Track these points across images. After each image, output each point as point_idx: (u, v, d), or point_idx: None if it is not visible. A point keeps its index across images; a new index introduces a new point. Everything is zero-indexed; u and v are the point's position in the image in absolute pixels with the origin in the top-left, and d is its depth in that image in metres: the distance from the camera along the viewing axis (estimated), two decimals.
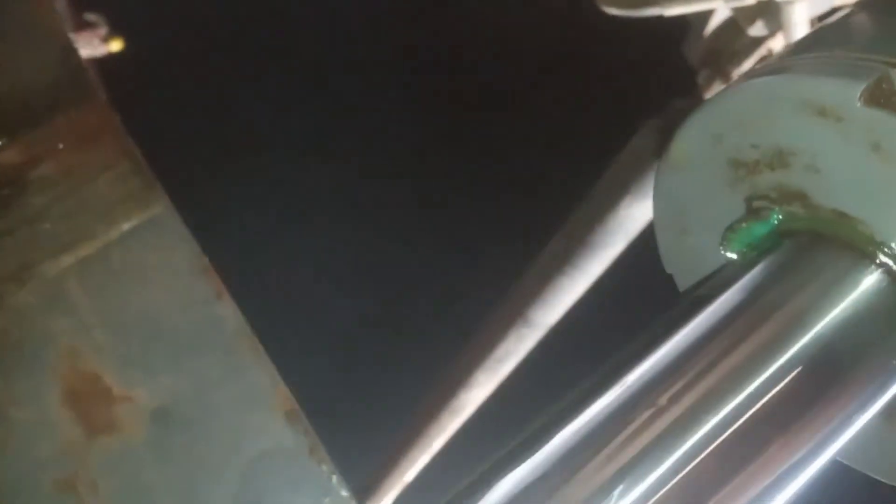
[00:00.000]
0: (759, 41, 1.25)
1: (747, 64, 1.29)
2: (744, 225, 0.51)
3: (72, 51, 0.85)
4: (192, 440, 0.68)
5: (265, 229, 2.11)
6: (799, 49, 0.48)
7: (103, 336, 0.72)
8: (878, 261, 0.45)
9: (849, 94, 0.42)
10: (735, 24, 1.26)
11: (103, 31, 1.30)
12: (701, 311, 0.48)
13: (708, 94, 1.36)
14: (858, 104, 0.42)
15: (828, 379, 0.45)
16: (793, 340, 0.45)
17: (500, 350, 1.76)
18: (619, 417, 0.43)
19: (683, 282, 0.60)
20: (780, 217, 0.49)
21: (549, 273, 1.61)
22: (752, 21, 1.19)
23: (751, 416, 0.44)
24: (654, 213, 0.59)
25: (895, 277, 0.45)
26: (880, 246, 0.45)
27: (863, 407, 0.45)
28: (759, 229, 0.50)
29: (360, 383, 2.20)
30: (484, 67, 1.97)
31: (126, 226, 0.75)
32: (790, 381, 0.45)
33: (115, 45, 1.30)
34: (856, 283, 0.46)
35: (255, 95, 2.13)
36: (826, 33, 0.48)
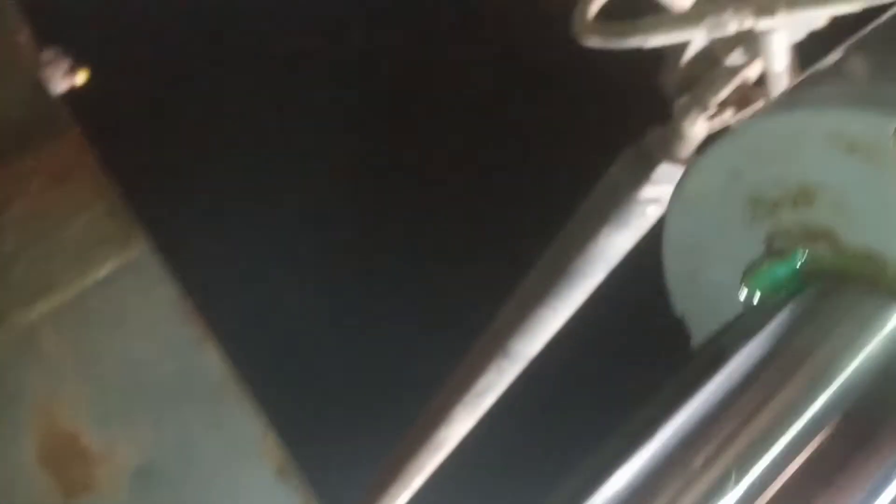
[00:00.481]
0: (735, 70, 1.25)
1: (724, 93, 1.29)
2: (765, 265, 0.48)
3: (41, 86, 0.81)
4: (177, 501, 0.63)
5: (253, 270, 2.05)
6: (821, 79, 0.46)
7: (79, 389, 0.67)
8: None
9: (882, 128, 0.40)
10: (711, 53, 1.26)
11: (66, 63, 1.25)
12: (726, 363, 0.45)
13: (684, 123, 1.36)
14: (892, 139, 0.40)
15: (867, 430, 0.43)
16: (827, 391, 0.43)
17: (481, 384, 1.73)
18: (650, 486, 0.40)
19: (696, 324, 0.57)
20: (804, 257, 0.47)
21: (529, 303, 1.59)
22: (729, 50, 1.19)
23: (790, 476, 0.41)
24: (665, 251, 0.56)
25: None
26: None
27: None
28: (782, 270, 0.48)
29: (352, 429, 2.14)
30: (456, 93, 1.96)
31: (103, 270, 0.71)
32: (828, 435, 0.42)
33: (81, 78, 1.25)
34: (888, 327, 0.43)
35: (241, 126, 2.08)
36: (849, 62, 0.46)
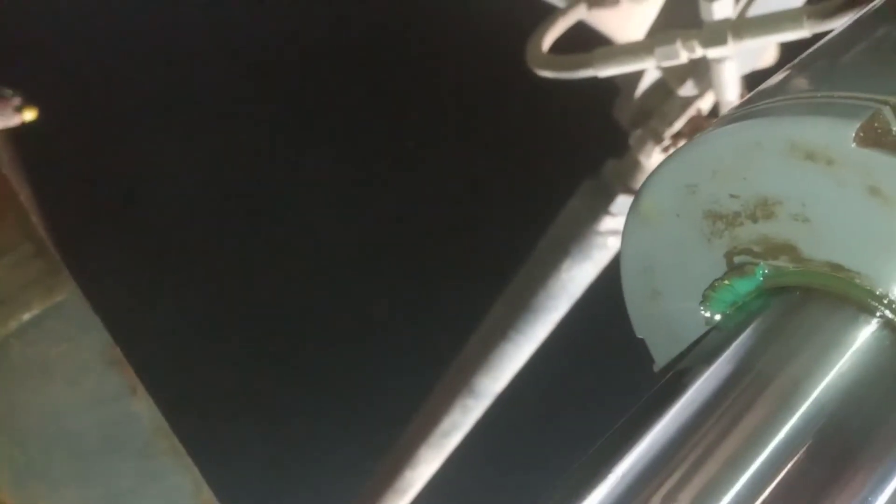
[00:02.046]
0: (688, 101, 1.24)
1: (678, 124, 1.28)
2: (726, 282, 0.45)
3: None
4: None
5: (185, 320, 1.98)
6: (772, 92, 0.43)
7: None
8: (879, 315, 0.40)
9: (841, 134, 0.37)
10: (664, 86, 1.26)
11: (17, 101, 1.20)
12: (688, 387, 0.41)
13: (640, 155, 1.34)
14: (852, 145, 0.37)
15: (841, 452, 0.39)
16: (795, 413, 0.39)
17: (446, 423, 1.67)
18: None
19: (658, 348, 0.53)
20: (766, 272, 0.44)
21: (492, 340, 1.55)
22: (682, 81, 1.18)
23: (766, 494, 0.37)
24: (623, 273, 0.52)
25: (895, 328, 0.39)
26: (881, 299, 0.39)
27: (883, 481, 0.38)
28: (743, 286, 0.44)
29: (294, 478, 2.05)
30: (408, 131, 1.93)
31: (26, 315, 0.64)
32: (799, 460, 0.38)
33: (29, 115, 1.20)
34: (857, 342, 0.40)
35: (178, 168, 2.02)
36: (800, 74, 0.44)
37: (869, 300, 0.39)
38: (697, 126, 1.28)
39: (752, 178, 0.41)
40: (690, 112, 1.26)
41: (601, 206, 1.37)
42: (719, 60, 1.04)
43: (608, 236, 1.39)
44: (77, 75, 1.94)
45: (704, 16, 0.99)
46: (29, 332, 0.63)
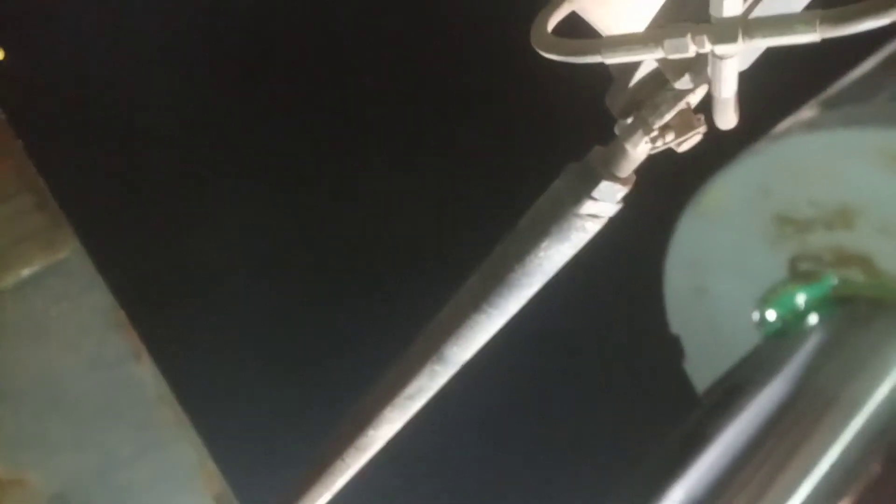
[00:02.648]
0: (681, 94, 1.23)
1: (668, 116, 1.27)
2: (791, 288, 0.43)
3: None
4: None
5: (190, 283, 1.90)
6: (855, 96, 0.41)
7: None
8: None
9: None
10: (659, 77, 1.24)
11: None
12: (751, 403, 0.39)
13: (627, 144, 1.33)
14: None
15: None
16: (864, 428, 0.37)
17: (413, 387, 1.65)
18: None
19: (695, 346, 0.52)
20: (836, 282, 0.42)
21: (465, 311, 1.53)
22: (679, 74, 1.16)
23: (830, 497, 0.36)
24: (667, 266, 0.50)
25: None
26: None
27: None
28: (810, 294, 0.43)
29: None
30: (406, 105, 1.88)
31: (25, 271, 0.59)
32: (871, 478, 0.37)
33: None
34: None
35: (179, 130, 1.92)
36: (883, 82, 0.42)
37: None
38: (686, 120, 1.27)
39: (838, 185, 0.39)
40: (681, 105, 1.25)
41: (584, 190, 1.35)
42: (723, 57, 1.02)
43: (588, 220, 1.38)
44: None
45: (714, 11, 0.97)
46: (26, 290, 0.57)
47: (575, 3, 1.21)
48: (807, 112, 0.45)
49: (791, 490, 0.34)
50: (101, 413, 0.54)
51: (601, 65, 1.19)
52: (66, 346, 0.56)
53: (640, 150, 1.30)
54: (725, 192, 0.44)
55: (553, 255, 1.42)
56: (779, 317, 0.45)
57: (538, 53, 1.15)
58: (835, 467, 0.35)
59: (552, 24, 1.12)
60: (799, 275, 0.44)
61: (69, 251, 0.58)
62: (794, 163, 0.41)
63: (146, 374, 0.55)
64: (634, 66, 1.24)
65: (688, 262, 0.48)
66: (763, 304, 0.46)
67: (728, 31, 0.94)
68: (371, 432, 1.76)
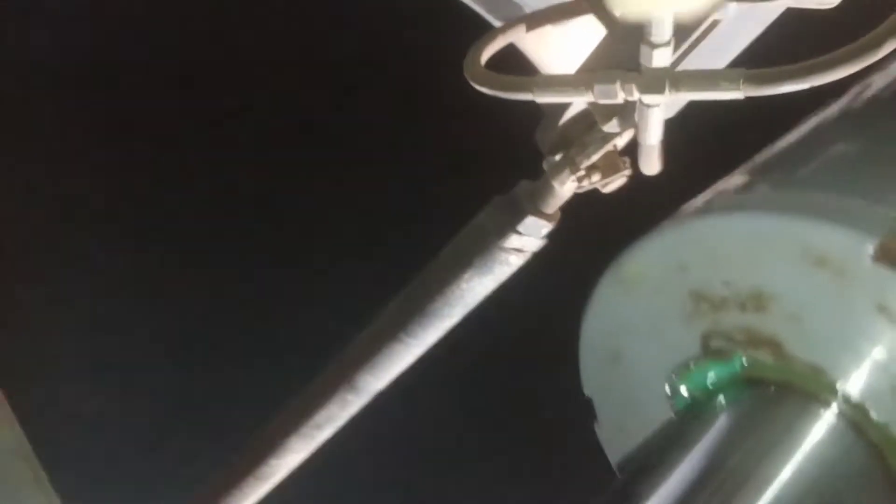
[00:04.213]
0: (609, 137, 1.25)
1: (595, 157, 1.29)
2: (703, 364, 0.43)
3: None
4: None
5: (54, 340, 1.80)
6: (781, 181, 0.42)
7: None
8: (856, 426, 0.39)
9: (857, 248, 0.36)
10: (588, 117, 1.26)
11: None
12: (661, 484, 0.39)
13: (555, 181, 1.34)
14: (867, 261, 0.36)
15: None
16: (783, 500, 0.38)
17: (321, 416, 1.61)
18: None
19: (606, 410, 0.51)
20: (745, 363, 0.42)
21: (382, 339, 1.50)
22: (608, 118, 1.18)
23: None
24: (584, 329, 0.50)
25: (880, 451, 0.39)
26: (865, 413, 0.39)
27: None
28: (720, 371, 0.43)
29: None
30: (334, 126, 1.85)
31: None
32: None
33: None
34: (832, 448, 0.39)
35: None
36: (809, 166, 0.42)
37: (852, 412, 0.38)
38: (612, 162, 1.29)
39: (753, 270, 0.40)
40: (608, 147, 1.27)
41: (509, 224, 1.36)
42: (650, 106, 1.04)
43: (511, 253, 1.38)
44: None
45: (644, 61, 0.99)
46: None
47: (510, 35, 1.22)
48: (735, 179, 0.45)
49: None
50: None
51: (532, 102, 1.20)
52: None
53: (566, 188, 1.32)
54: (644, 262, 0.43)
55: (475, 287, 1.42)
56: (689, 392, 0.45)
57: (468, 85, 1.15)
58: None
59: (486, 56, 1.12)
60: (710, 352, 0.44)
61: None
62: (712, 242, 0.41)
63: (4, 428, 0.50)
64: (565, 105, 1.25)
65: (604, 327, 0.47)
66: (674, 377, 0.46)
67: (656, 82, 0.96)
68: (273, 462, 1.70)
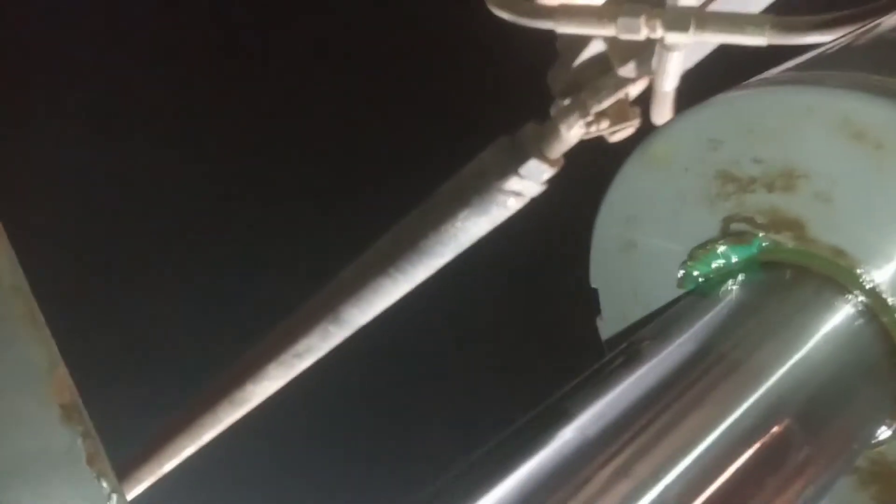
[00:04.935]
0: (623, 82, 1.23)
1: (606, 103, 1.27)
2: (720, 246, 0.42)
3: None
4: None
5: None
6: (824, 64, 0.40)
7: None
8: (869, 310, 0.39)
9: None
10: (604, 61, 1.23)
11: None
12: (650, 356, 0.38)
13: (562, 125, 1.32)
14: None
15: (809, 434, 0.37)
16: (759, 404, 0.37)
17: (301, 345, 1.59)
18: (560, 486, 0.31)
19: (612, 302, 0.50)
20: (765, 245, 0.41)
21: (371, 273, 1.49)
22: (624, 61, 1.16)
23: (724, 483, 0.35)
24: (600, 218, 0.49)
25: (888, 331, 0.38)
26: (879, 296, 0.38)
27: (840, 466, 0.37)
28: (738, 254, 0.42)
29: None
30: (346, 69, 1.81)
31: None
32: (770, 436, 0.36)
33: None
34: (843, 331, 0.39)
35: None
36: (852, 56, 0.41)
37: (866, 295, 0.38)
38: (623, 110, 1.28)
39: (788, 144, 0.39)
40: (620, 94, 1.25)
41: (511, 166, 1.34)
42: (671, 48, 1.03)
43: (511, 196, 1.36)
44: None
45: None
46: None
47: None
48: (775, 70, 0.44)
49: (673, 458, 0.32)
50: None
51: (550, 39, 1.17)
52: None
53: (573, 133, 1.30)
54: (675, 139, 0.42)
55: (470, 227, 1.41)
56: (702, 275, 0.43)
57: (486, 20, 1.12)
58: (724, 436, 0.34)
59: None
60: (732, 235, 0.43)
61: None
62: (748, 117, 0.40)
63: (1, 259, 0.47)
64: (581, 46, 1.23)
65: (621, 214, 0.46)
66: (689, 261, 0.45)
67: (681, 19, 0.95)
68: (250, 387, 1.69)
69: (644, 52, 1.14)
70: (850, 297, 0.39)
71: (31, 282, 0.53)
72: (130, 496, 1.68)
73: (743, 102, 0.40)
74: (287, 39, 1.90)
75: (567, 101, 1.28)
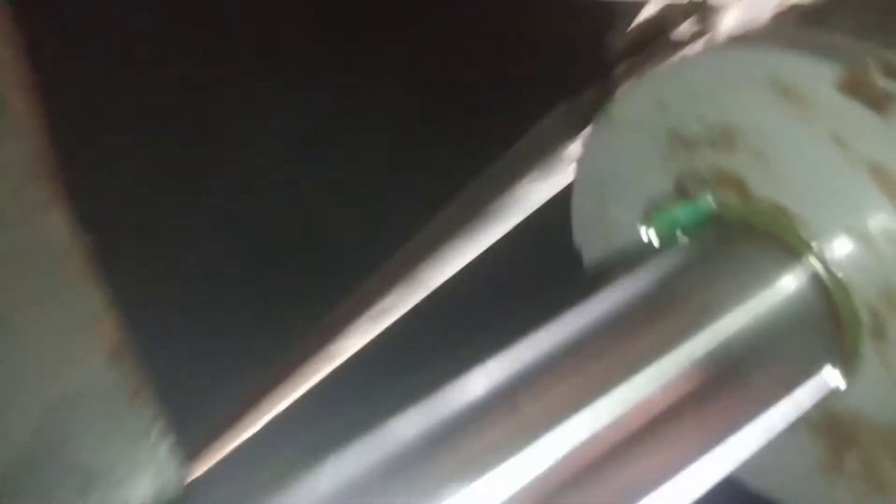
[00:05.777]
0: (677, 45, 1.21)
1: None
2: (669, 206, 0.44)
3: None
4: None
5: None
6: (761, 29, 0.41)
7: None
8: (806, 263, 0.39)
9: (822, 75, 0.35)
10: (658, 24, 1.21)
11: None
12: (603, 288, 0.41)
13: (621, 90, 1.31)
14: (829, 89, 0.35)
15: (728, 380, 0.39)
16: (698, 334, 0.39)
17: (379, 307, 1.68)
18: (486, 413, 0.35)
19: (591, 256, 0.53)
20: (711, 203, 0.43)
21: (441, 236, 1.54)
22: (680, 21, 1.13)
23: (635, 408, 0.37)
24: (577, 175, 0.51)
25: (822, 283, 0.39)
26: (812, 249, 0.39)
27: (759, 414, 0.39)
28: (686, 212, 0.44)
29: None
30: (399, 35, 1.84)
31: None
32: (686, 376, 0.38)
33: None
34: (778, 284, 0.40)
35: None
36: (812, 11, 0.41)
37: (802, 247, 0.39)
38: None
39: (724, 104, 0.40)
40: (675, 58, 1.23)
41: (572, 132, 1.34)
42: (723, 6, 1.00)
43: (572, 161, 1.37)
44: None
45: None
46: None
47: None
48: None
49: (595, 390, 0.34)
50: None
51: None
52: None
53: None
54: (630, 103, 0.43)
55: (534, 192, 1.43)
56: (659, 233, 0.44)
57: None
58: (654, 374, 0.35)
59: None
60: (681, 192, 0.44)
61: None
62: (689, 78, 0.40)
63: (58, 223, 0.53)
64: (637, 9, 1.21)
65: (594, 175, 0.48)
66: (647, 220, 0.46)
67: None
68: (333, 346, 1.79)
69: (701, 10, 1.12)
70: (788, 250, 0.39)
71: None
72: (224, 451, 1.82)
73: (682, 67, 0.41)
74: None
75: (625, 65, 1.27)
